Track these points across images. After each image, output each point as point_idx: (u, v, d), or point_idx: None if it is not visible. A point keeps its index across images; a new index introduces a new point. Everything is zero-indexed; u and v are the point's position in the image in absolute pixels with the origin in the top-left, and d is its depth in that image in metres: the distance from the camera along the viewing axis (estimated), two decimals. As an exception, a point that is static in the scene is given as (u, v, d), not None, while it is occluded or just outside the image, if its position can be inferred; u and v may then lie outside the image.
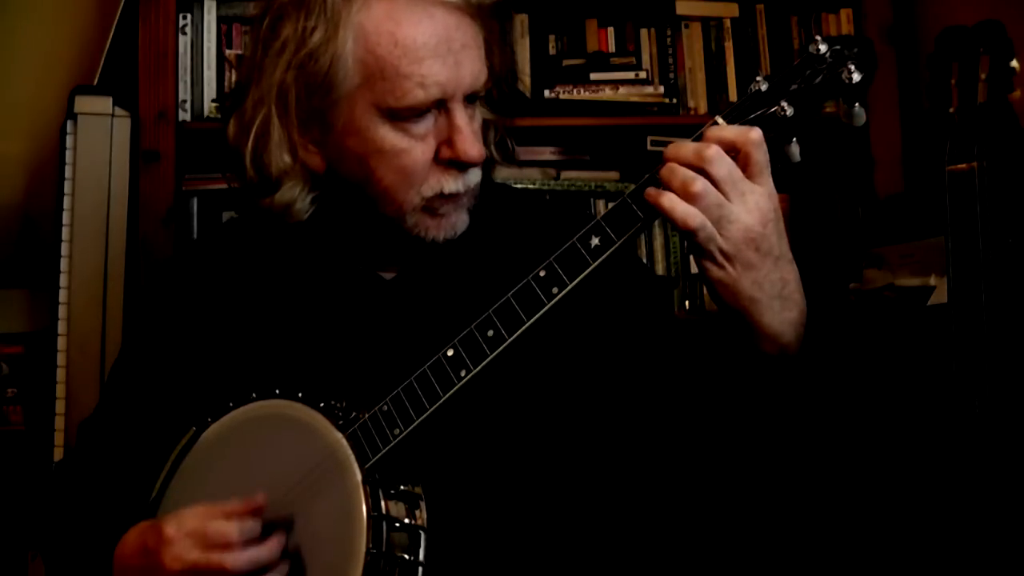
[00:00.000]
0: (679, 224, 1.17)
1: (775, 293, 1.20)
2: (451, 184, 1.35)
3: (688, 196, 1.16)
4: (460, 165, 1.34)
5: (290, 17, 1.33)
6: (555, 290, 1.21)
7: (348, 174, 1.37)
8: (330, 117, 1.34)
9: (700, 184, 1.15)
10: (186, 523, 1.25)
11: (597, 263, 1.20)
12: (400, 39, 1.29)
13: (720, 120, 1.22)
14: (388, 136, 1.32)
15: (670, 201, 1.17)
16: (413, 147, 1.33)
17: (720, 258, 1.18)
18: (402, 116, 1.31)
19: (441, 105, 1.32)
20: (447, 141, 1.33)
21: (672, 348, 1.41)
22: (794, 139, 1.23)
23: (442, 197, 1.35)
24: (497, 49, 1.40)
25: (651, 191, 1.19)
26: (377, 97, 1.31)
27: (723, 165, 1.16)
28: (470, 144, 1.32)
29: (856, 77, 1.19)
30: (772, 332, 1.21)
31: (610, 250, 1.20)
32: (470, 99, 1.34)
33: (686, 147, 1.18)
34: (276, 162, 1.37)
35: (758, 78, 1.23)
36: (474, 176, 1.36)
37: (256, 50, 1.38)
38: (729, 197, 1.17)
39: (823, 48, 1.21)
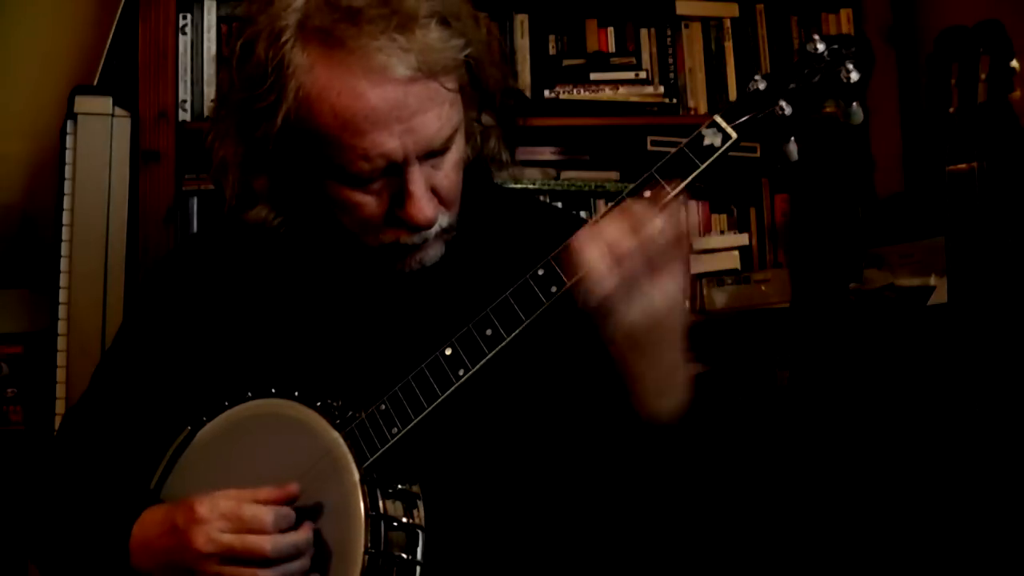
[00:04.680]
0: (585, 266, 1.17)
1: (660, 377, 1.24)
2: (407, 238, 1.33)
3: (613, 256, 1.16)
4: (411, 227, 1.31)
5: (240, 72, 1.30)
6: (554, 288, 1.21)
7: (311, 206, 1.36)
8: (284, 165, 1.33)
9: (624, 249, 1.15)
10: (219, 504, 1.23)
11: None
12: (340, 112, 1.24)
13: (719, 119, 1.22)
14: (341, 191, 1.30)
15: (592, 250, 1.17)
16: (367, 202, 1.30)
17: (613, 327, 1.18)
18: (351, 179, 1.28)
19: (394, 169, 1.28)
20: (399, 202, 1.30)
21: None
22: (792, 138, 1.23)
23: (400, 245, 1.34)
24: (482, 71, 1.35)
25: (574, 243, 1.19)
26: (324, 160, 1.28)
27: (646, 247, 1.16)
28: (418, 210, 1.28)
29: (854, 76, 1.19)
30: (650, 412, 1.25)
31: None
32: (431, 155, 1.30)
33: (618, 219, 1.17)
34: (234, 194, 1.38)
35: (756, 77, 1.23)
36: (437, 226, 1.33)
37: (218, 91, 1.37)
38: (642, 279, 1.16)
39: (821, 47, 1.21)
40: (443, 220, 1.33)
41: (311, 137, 1.27)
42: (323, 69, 1.24)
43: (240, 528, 1.22)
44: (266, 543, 1.21)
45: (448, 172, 1.32)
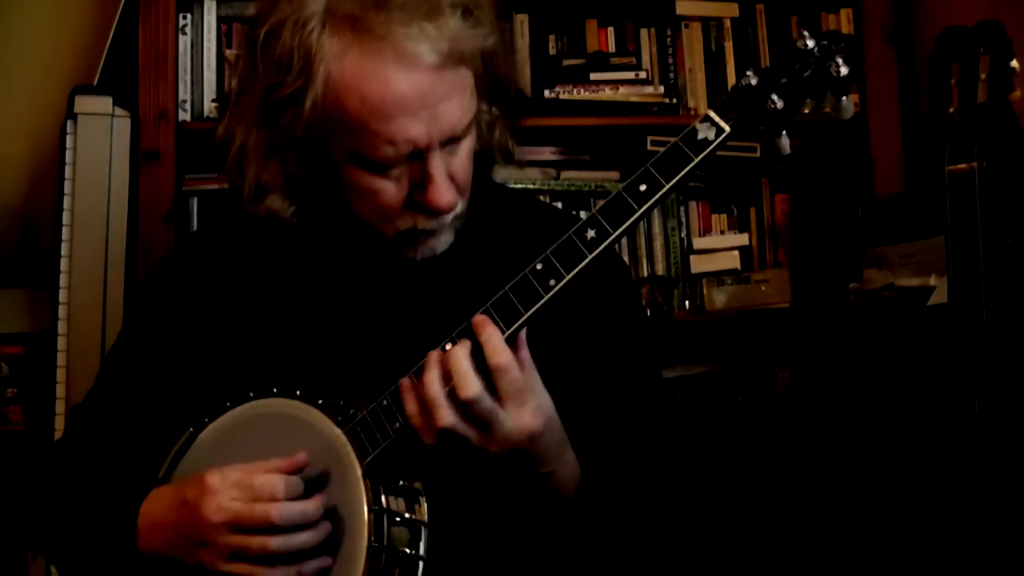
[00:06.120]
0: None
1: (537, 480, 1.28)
2: (425, 223, 1.34)
3: (435, 419, 1.21)
4: (431, 212, 1.33)
5: (263, 58, 1.30)
6: (552, 282, 1.21)
7: (327, 194, 1.37)
8: (305, 149, 1.34)
9: (449, 420, 1.20)
10: (230, 475, 1.24)
11: (594, 255, 1.21)
12: (368, 97, 1.24)
13: (712, 113, 1.23)
14: (361, 177, 1.31)
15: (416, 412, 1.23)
16: (387, 188, 1.31)
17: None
18: (374, 165, 1.29)
19: (417, 154, 1.29)
20: (420, 186, 1.31)
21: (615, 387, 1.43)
22: (784, 132, 1.24)
23: (417, 231, 1.35)
24: (497, 63, 1.37)
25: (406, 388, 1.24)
26: (348, 146, 1.29)
27: (479, 404, 1.19)
28: (440, 195, 1.30)
29: (844, 70, 1.21)
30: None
31: (606, 242, 1.21)
32: (451, 141, 1.31)
33: (460, 365, 1.20)
34: (252, 182, 1.38)
35: (748, 72, 1.25)
36: (452, 211, 1.34)
37: (234, 79, 1.38)
38: (478, 430, 1.21)
39: (811, 43, 1.23)
40: (458, 207, 1.35)
41: (336, 124, 1.28)
42: (353, 56, 1.25)
43: (250, 496, 1.23)
44: (273, 510, 1.21)
45: (463, 159, 1.33)
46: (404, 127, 1.25)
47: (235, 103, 1.36)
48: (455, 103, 1.28)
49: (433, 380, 1.21)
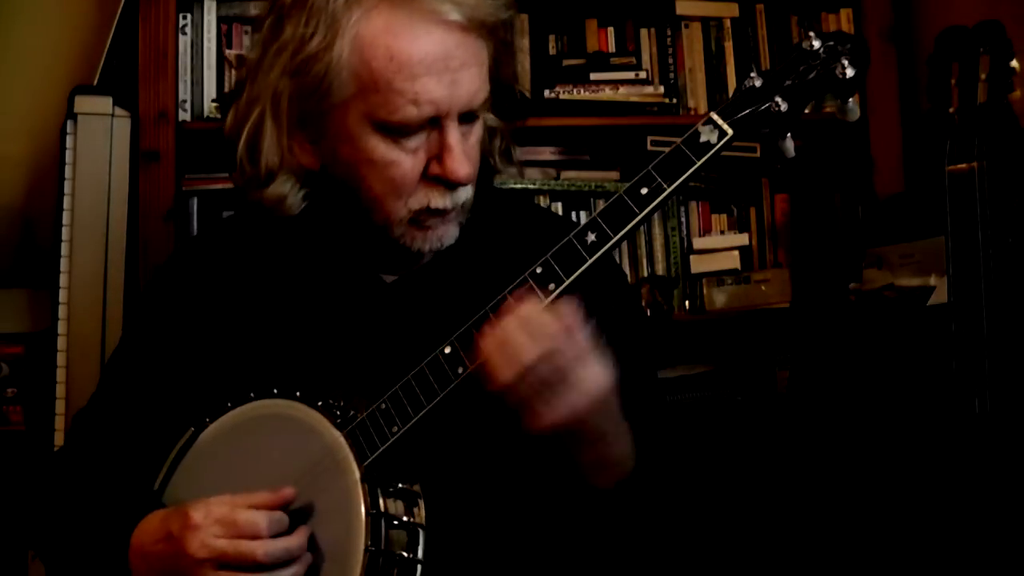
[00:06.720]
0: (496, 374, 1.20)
1: (593, 459, 1.27)
2: (439, 200, 1.34)
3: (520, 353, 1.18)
4: (448, 184, 1.33)
5: (291, 19, 1.32)
6: (552, 286, 1.21)
7: (339, 177, 1.37)
8: (323, 121, 1.34)
9: (531, 357, 1.17)
10: (214, 510, 1.24)
11: (594, 259, 1.21)
12: (396, 54, 1.27)
13: (715, 116, 1.22)
14: (379, 147, 1.32)
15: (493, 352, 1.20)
16: (403, 160, 1.32)
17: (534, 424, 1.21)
18: (394, 130, 1.30)
19: (435, 122, 1.30)
20: (437, 158, 1.32)
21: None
22: (788, 134, 1.24)
23: (429, 211, 1.35)
24: (505, 59, 1.39)
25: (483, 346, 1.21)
26: (370, 109, 1.30)
27: (557, 356, 1.18)
28: (459, 164, 1.31)
29: (850, 72, 1.20)
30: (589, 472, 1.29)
31: (607, 246, 1.21)
32: (467, 117, 1.33)
33: (534, 319, 1.18)
34: (268, 158, 1.38)
35: (752, 74, 1.24)
36: (464, 193, 1.35)
37: (256, 49, 1.38)
38: (553, 381, 1.19)
39: (816, 44, 1.22)
40: (469, 190, 1.36)
41: (359, 84, 1.30)
42: (381, 13, 1.29)
43: (234, 533, 1.23)
44: (258, 548, 1.22)
45: (474, 144, 1.36)
46: (427, 87, 1.28)
47: (255, 68, 1.37)
48: (474, 72, 1.31)
49: (513, 321, 1.19)
